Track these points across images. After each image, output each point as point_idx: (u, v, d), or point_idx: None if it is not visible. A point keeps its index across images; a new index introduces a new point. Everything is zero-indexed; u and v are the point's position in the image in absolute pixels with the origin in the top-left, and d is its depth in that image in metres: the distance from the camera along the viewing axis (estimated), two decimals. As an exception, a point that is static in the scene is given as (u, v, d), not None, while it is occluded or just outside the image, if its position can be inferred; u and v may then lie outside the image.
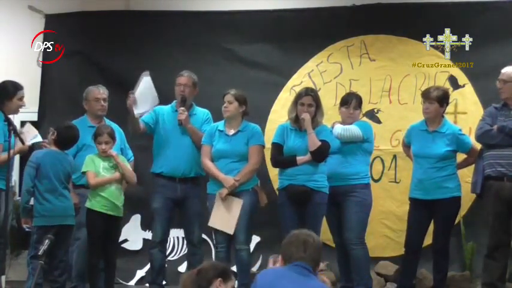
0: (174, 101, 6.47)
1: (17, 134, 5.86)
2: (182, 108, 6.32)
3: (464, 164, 6.33)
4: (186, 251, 6.96)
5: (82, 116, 6.55)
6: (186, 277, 3.60)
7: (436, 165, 6.07)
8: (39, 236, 5.69)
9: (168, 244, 7.06)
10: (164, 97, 6.59)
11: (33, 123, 7.15)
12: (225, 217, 6.07)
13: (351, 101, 6.24)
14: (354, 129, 6.11)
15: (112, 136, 6.10)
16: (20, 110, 6.28)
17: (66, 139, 5.99)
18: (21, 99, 6.15)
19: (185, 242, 6.82)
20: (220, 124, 6.28)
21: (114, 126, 6.43)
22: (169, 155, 6.30)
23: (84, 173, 6.07)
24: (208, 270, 3.58)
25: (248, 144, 6.18)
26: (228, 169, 6.13)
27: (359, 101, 6.31)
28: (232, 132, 6.21)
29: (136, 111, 6.26)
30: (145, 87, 6.30)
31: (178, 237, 7.24)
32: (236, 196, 6.09)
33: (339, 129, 6.13)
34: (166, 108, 6.49)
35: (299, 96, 6.17)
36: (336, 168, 6.12)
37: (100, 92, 6.51)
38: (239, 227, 6.07)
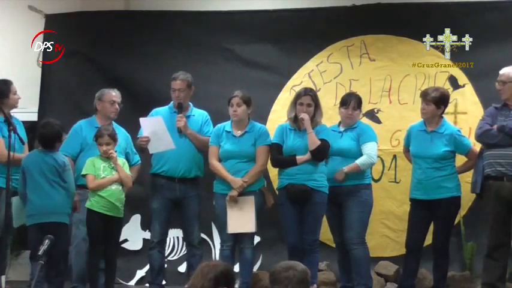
0: (171, 102, 6.46)
1: (17, 134, 5.86)
2: (180, 115, 6.31)
3: (463, 169, 6.29)
4: (186, 251, 6.96)
5: (91, 117, 6.53)
6: (204, 265, 3.56)
7: (434, 166, 6.06)
8: (30, 235, 5.76)
9: (168, 244, 7.07)
10: (164, 97, 6.59)
11: (33, 123, 7.18)
12: (241, 218, 6.07)
13: (350, 102, 6.23)
14: (373, 158, 6.07)
15: (113, 137, 6.09)
16: (20, 108, 6.34)
17: (43, 137, 5.92)
18: (15, 92, 6.24)
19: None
20: (227, 125, 6.28)
21: (121, 130, 6.44)
22: (168, 155, 6.28)
23: (84, 175, 6.07)
24: (224, 273, 3.55)
25: (255, 144, 6.19)
26: (236, 169, 6.13)
27: (358, 101, 6.29)
28: (239, 133, 6.22)
29: (150, 151, 6.27)
30: (156, 128, 6.21)
31: (178, 238, 7.23)
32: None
33: (361, 163, 6.05)
34: (163, 110, 6.47)
35: (298, 96, 6.18)
36: (338, 168, 6.10)
37: (115, 94, 6.49)
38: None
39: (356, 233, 6.05)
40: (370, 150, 6.10)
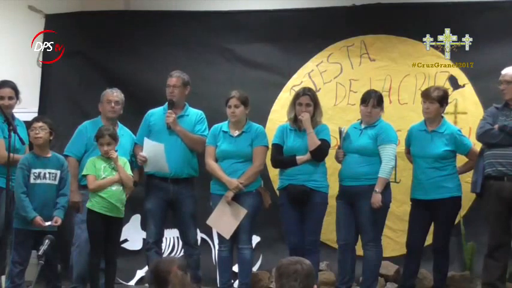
0: (166, 103, 6.45)
1: (17, 134, 5.87)
2: (169, 111, 6.29)
3: (464, 169, 6.28)
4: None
5: (96, 118, 6.53)
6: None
7: (434, 165, 6.05)
8: None
9: (167, 244, 7.06)
10: (164, 97, 6.56)
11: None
12: (226, 221, 6.07)
13: (369, 99, 6.12)
14: (390, 163, 6.03)
15: (114, 137, 6.09)
16: (20, 108, 6.34)
17: None
18: (1, 98, 6.17)
19: (183, 242, 6.82)
20: (224, 125, 6.27)
21: (127, 131, 6.46)
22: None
23: (85, 176, 6.08)
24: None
25: (252, 145, 6.18)
26: (232, 170, 6.12)
27: (379, 98, 6.16)
28: (236, 133, 6.21)
29: (146, 170, 6.31)
30: (156, 153, 6.22)
31: (178, 238, 7.22)
32: (240, 197, 6.09)
33: (385, 174, 6.01)
34: (158, 110, 6.45)
35: (297, 97, 6.17)
36: (354, 167, 6.07)
37: (113, 94, 6.46)
38: (242, 227, 6.08)
39: (369, 235, 6.01)
40: (386, 155, 6.02)
